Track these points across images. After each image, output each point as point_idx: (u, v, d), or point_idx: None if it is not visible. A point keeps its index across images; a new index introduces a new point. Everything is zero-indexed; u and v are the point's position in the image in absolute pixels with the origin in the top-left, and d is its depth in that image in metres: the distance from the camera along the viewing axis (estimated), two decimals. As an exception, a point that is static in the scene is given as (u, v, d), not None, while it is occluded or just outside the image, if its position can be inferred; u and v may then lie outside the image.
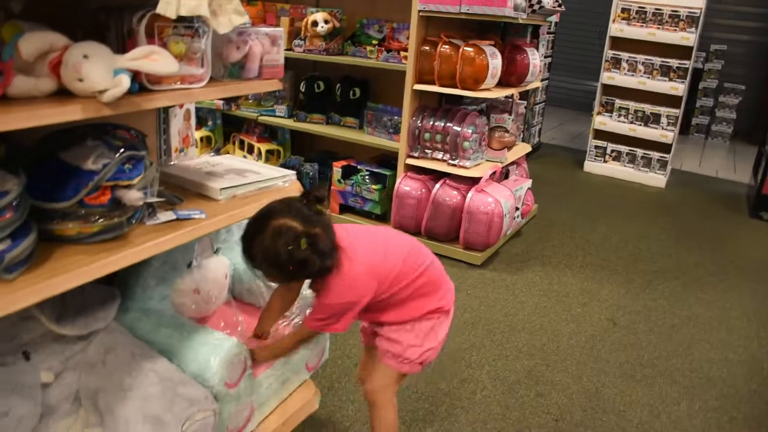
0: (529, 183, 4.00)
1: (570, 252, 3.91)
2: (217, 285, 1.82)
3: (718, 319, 3.17)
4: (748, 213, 5.06)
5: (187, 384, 1.44)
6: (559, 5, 3.85)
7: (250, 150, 4.30)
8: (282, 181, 1.64)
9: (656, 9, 5.30)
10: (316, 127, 4.09)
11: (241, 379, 1.59)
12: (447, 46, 3.35)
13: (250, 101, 4.33)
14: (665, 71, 5.35)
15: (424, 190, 3.55)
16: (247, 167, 1.70)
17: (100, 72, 1.12)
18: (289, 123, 4.19)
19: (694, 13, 5.16)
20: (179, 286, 1.71)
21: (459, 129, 3.44)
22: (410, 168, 3.66)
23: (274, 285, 1.83)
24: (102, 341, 1.55)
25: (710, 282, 3.62)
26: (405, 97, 3.55)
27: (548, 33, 5.85)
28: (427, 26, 3.49)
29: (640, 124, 5.57)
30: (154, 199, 1.34)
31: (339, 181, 3.87)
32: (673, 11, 5.23)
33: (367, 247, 1.57)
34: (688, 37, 5.19)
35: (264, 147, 4.27)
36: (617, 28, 5.48)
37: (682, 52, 5.27)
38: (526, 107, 5.40)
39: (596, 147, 5.88)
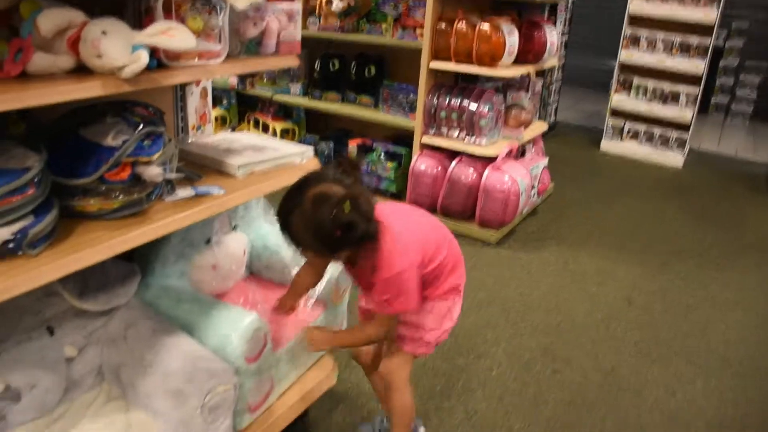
0: (545, 161, 3.98)
1: (586, 231, 3.89)
2: (235, 261, 1.83)
3: (735, 299, 3.15)
4: (768, 193, 5.01)
5: (207, 358, 1.46)
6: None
7: (265, 129, 4.30)
8: (300, 158, 1.64)
9: (676, -15, 5.21)
10: (331, 105, 4.08)
11: (261, 354, 1.61)
12: (463, 23, 3.32)
13: (265, 80, 4.33)
14: (685, 49, 5.27)
15: (439, 169, 3.55)
16: (264, 144, 1.71)
17: (118, 48, 1.12)
18: (304, 101, 4.19)
19: (716, -11, 5.06)
20: (198, 263, 1.73)
21: (475, 107, 3.42)
22: (426, 146, 3.66)
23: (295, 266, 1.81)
24: (123, 317, 1.57)
25: (727, 262, 3.59)
26: (421, 75, 3.53)
27: (565, 10, 5.78)
28: (443, 3, 3.45)
29: (659, 103, 5.51)
30: (174, 175, 1.35)
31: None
32: (693, -13, 5.14)
33: (401, 220, 1.56)
34: (710, 15, 5.10)
35: (279, 126, 4.27)
36: (636, 5, 5.39)
37: (703, 29, 5.18)
38: (542, 85, 5.36)
39: (613, 126, 5.82)
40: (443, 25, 3.41)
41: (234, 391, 1.49)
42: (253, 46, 1.49)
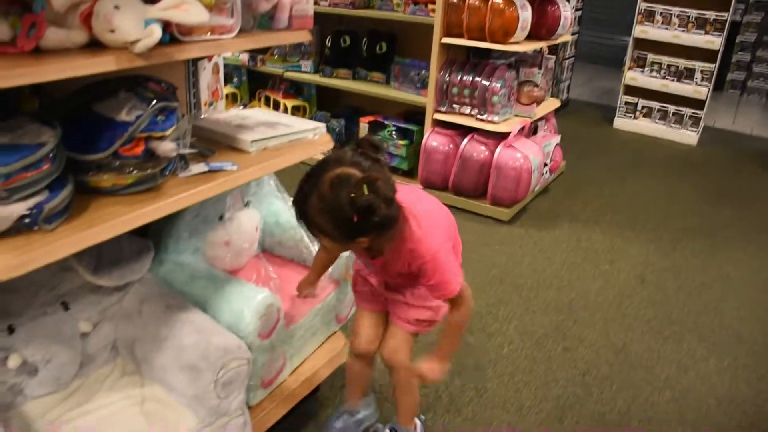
0: (557, 139, 3.95)
1: (598, 209, 3.87)
2: (248, 237, 1.84)
3: (749, 278, 3.13)
4: (783, 170, 4.95)
5: (221, 334, 1.47)
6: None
7: (276, 106, 4.28)
8: (312, 134, 1.63)
9: (693, -42, 5.12)
10: (342, 82, 4.06)
11: (274, 330, 1.62)
12: (476, -2, 3.28)
13: (276, 57, 4.30)
14: (701, 24, 5.18)
15: (451, 146, 3.53)
16: (277, 120, 1.70)
17: (131, 22, 1.11)
18: (315, 78, 4.17)
19: (734, -38, 4.97)
20: (211, 239, 1.73)
21: (488, 83, 3.39)
22: (438, 123, 3.63)
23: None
24: (137, 292, 1.58)
25: (742, 241, 3.56)
26: (433, 50, 3.50)
27: (579, -16, 5.70)
28: (456, -22, 3.41)
29: (673, 80, 5.44)
30: (187, 151, 1.35)
31: (366, 137, 3.85)
32: (711, -40, 5.05)
33: (419, 201, 1.53)
34: (727, -13, 5.01)
35: (290, 103, 4.25)
36: (652, -21, 5.31)
37: (720, 3, 5.09)
38: (555, 62, 5.30)
39: (626, 103, 5.76)
40: (455, 0, 3.36)
41: (247, 366, 1.50)
42: (266, 21, 1.48)
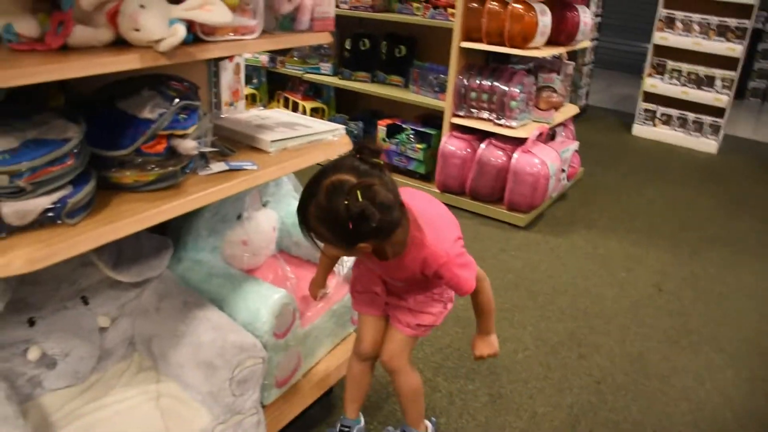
0: (575, 145, 3.93)
1: (615, 216, 3.85)
2: (265, 237, 1.85)
3: (769, 288, 3.10)
4: (804, 181, 4.89)
5: (237, 332, 1.48)
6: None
7: (295, 108, 4.31)
8: (332, 135, 1.64)
9: (715, -35, 5.07)
10: (361, 85, 4.07)
11: (289, 330, 1.62)
12: (495, 3, 3.28)
13: (296, 59, 4.32)
14: (722, 31, 5.14)
15: (469, 150, 3.52)
16: (296, 121, 1.71)
17: (156, 21, 1.12)
18: (334, 81, 4.18)
19: (757, -31, 4.93)
20: (229, 238, 1.75)
21: (506, 88, 3.38)
22: (455, 127, 3.63)
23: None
24: (156, 289, 1.60)
25: (762, 251, 3.52)
26: (451, 55, 3.50)
27: (599, -9, 5.68)
28: (476, -18, 3.41)
29: (693, 87, 5.40)
30: (208, 149, 1.36)
31: (383, 139, 3.86)
32: (733, -33, 5.00)
33: (428, 204, 1.52)
34: (750, -6, 4.96)
35: (308, 105, 4.27)
36: (673, -15, 5.27)
37: (742, 10, 5.05)
38: (574, 68, 5.28)
39: (645, 110, 5.72)
40: (475, 5, 3.37)
41: (263, 365, 1.51)
42: (287, 23, 1.49)
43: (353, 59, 4.12)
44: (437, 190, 3.71)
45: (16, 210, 1.02)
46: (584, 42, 3.87)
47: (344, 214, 1.24)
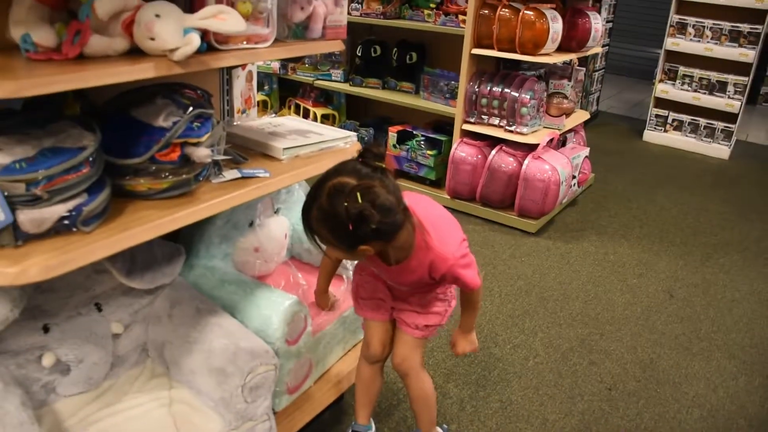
0: (586, 151, 3.92)
1: (626, 222, 3.84)
2: (277, 244, 1.85)
3: (782, 294, 3.08)
4: (818, 187, 4.85)
5: (249, 339, 1.49)
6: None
7: (306, 114, 4.32)
8: (344, 142, 1.65)
9: (727, -30, 5.05)
10: (371, 91, 4.08)
11: (301, 337, 1.63)
12: (506, 10, 3.29)
13: (307, 65, 4.34)
14: (735, 37, 5.11)
15: (479, 156, 3.52)
16: (308, 128, 1.72)
17: (171, 31, 1.13)
18: (345, 87, 4.20)
19: (769, -26, 4.90)
20: (241, 245, 1.75)
21: (517, 94, 3.38)
22: (466, 133, 3.63)
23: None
24: (168, 296, 1.61)
25: (774, 257, 3.50)
26: (462, 61, 3.51)
27: (610, -3, 5.67)
28: (487, -11, 3.42)
29: (705, 93, 5.37)
30: (221, 157, 1.37)
31: (394, 146, 3.87)
32: (745, -28, 4.98)
33: (431, 207, 1.54)
34: None
35: (319, 111, 4.29)
36: (684, -9, 5.26)
37: (755, 15, 5.01)
38: (585, 74, 5.27)
39: (657, 116, 5.70)
40: (486, 12, 3.37)
41: (275, 371, 1.51)
42: (300, 31, 1.50)
43: (364, 66, 4.14)
44: (448, 197, 3.71)
45: (33, 218, 1.04)
46: (595, 48, 3.86)
47: (344, 216, 1.26)
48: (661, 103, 5.64)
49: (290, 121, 1.82)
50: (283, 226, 1.89)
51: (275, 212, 1.91)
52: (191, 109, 1.27)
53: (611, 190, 4.39)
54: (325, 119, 4.31)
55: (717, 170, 5.12)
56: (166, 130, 1.22)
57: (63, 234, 1.09)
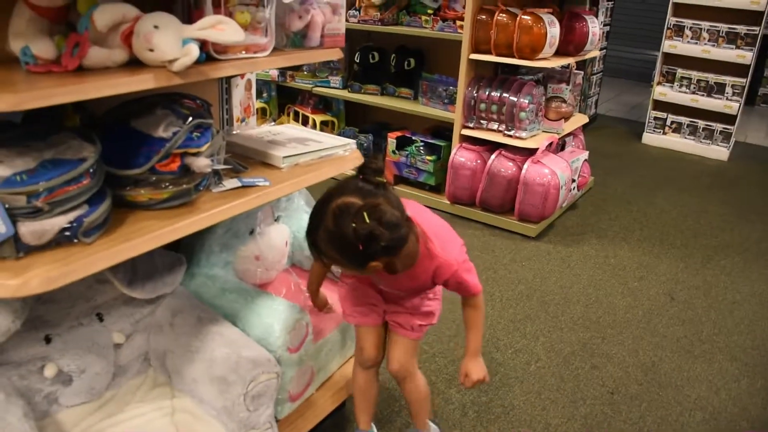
0: (585, 155, 3.93)
1: (627, 225, 3.84)
2: (278, 252, 1.86)
3: (783, 296, 3.08)
4: (817, 187, 4.86)
5: (251, 347, 1.49)
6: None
7: (305, 121, 4.33)
8: (343, 150, 1.65)
9: (724, -28, 5.07)
10: (370, 97, 4.09)
11: (302, 344, 1.63)
12: (504, 15, 3.30)
13: (305, 72, 4.35)
14: (732, 38, 5.12)
15: (479, 161, 3.53)
16: (308, 136, 1.72)
17: (170, 42, 1.14)
18: (344, 94, 4.21)
19: (766, -25, 4.91)
20: (242, 253, 1.76)
21: (515, 99, 3.39)
22: (465, 139, 3.64)
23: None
24: (169, 305, 1.61)
25: (775, 258, 3.50)
26: (461, 67, 3.51)
27: (607, 0, 5.68)
28: (484, -6, 3.43)
29: (703, 95, 5.38)
30: (221, 167, 1.37)
31: (393, 152, 3.87)
32: (742, -26, 4.99)
33: (427, 215, 1.55)
34: (759, 1, 4.94)
35: (318, 118, 4.29)
36: (681, -7, 5.27)
37: (752, 17, 5.03)
38: (583, 77, 5.27)
39: (655, 118, 5.71)
40: (483, 17, 3.38)
41: (277, 380, 1.52)
42: (298, 39, 1.51)
43: (362, 72, 4.14)
44: (447, 202, 3.72)
45: (34, 230, 1.04)
46: (593, 51, 3.87)
47: (353, 237, 1.27)
48: (659, 105, 5.65)
49: (289, 129, 1.82)
50: (284, 234, 1.90)
51: (275, 220, 1.91)
52: (191, 119, 1.27)
53: (611, 193, 4.39)
54: (324, 126, 4.32)
55: (716, 172, 5.12)
56: (166, 141, 1.23)
57: (64, 245, 1.09)
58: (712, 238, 3.73)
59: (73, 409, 1.46)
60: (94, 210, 1.11)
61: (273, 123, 1.75)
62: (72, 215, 1.08)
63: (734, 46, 5.13)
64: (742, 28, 5.06)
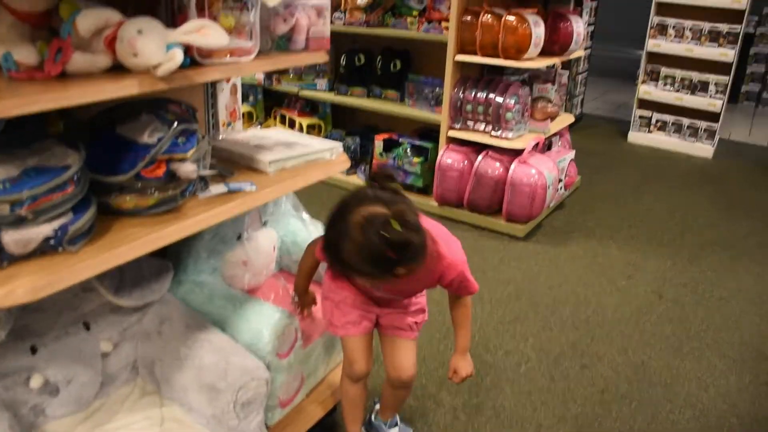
0: (572, 154, 3.95)
1: (614, 224, 3.85)
2: (265, 257, 1.85)
3: (769, 292, 3.10)
4: (801, 183, 4.91)
5: (240, 354, 1.48)
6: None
7: (291, 125, 4.32)
8: (330, 153, 1.64)
9: (705, -28, 5.11)
10: (356, 100, 4.08)
11: (292, 350, 1.62)
12: (489, 16, 3.30)
13: (291, 76, 4.34)
14: (714, 37, 5.17)
15: (466, 163, 3.53)
16: (294, 140, 1.71)
17: (153, 47, 1.13)
18: (330, 97, 4.20)
19: (747, -26, 4.95)
20: (229, 258, 1.74)
21: (501, 100, 3.40)
22: (452, 140, 3.64)
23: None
24: (157, 312, 1.60)
25: (761, 254, 3.53)
26: (447, 68, 3.52)
27: (591, 0, 5.71)
28: (469, -5, 3.44)
29: (687, 93, 5.42)
30: (207, 172, 1.36)
31: (380, 154, 3.87)
32: (723, -27, 5.03)
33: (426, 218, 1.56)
34: (740, 0, 4.99)
35: (305, 121, 4.28)
36: (664, -7, 5.31)
37: (734, 16, 5.06)
38: (568, 77, 5.30)
39: (641, 117, 5.74)
40: (469, 18, 3.39)
41: (266, 386, 1.51)
42: (283, 43, 1.49)
43: (348, 75, 4.14)
44: (435, 203, 3.72)
45: (18, 239, 1.02)
46: (578, 51, 3.89)
47: (384, 246, 1.27)
48: (644, 104, 5.69)
49: (276, 133, 1.81)
50: (272, 239, 1.89)
51: (263, 225, 1.90)
52: (176, 124, 1.26)
53: (598, 192, 4.41)
54: (311, 129, 4.31)
55: (702, 169, 5.16)
56: (151, 147, 1.21)
57: (49, 254, 1.08)
58: (698, 235, 3.76)
59: (61, 420, 1.44)
60: (79, 218, 1.10)
61: (259, 127, 1.74)
62: (57, 223, 1.07)
63: (717, 45, 5.18)
64: (724, 27, 5.11)
